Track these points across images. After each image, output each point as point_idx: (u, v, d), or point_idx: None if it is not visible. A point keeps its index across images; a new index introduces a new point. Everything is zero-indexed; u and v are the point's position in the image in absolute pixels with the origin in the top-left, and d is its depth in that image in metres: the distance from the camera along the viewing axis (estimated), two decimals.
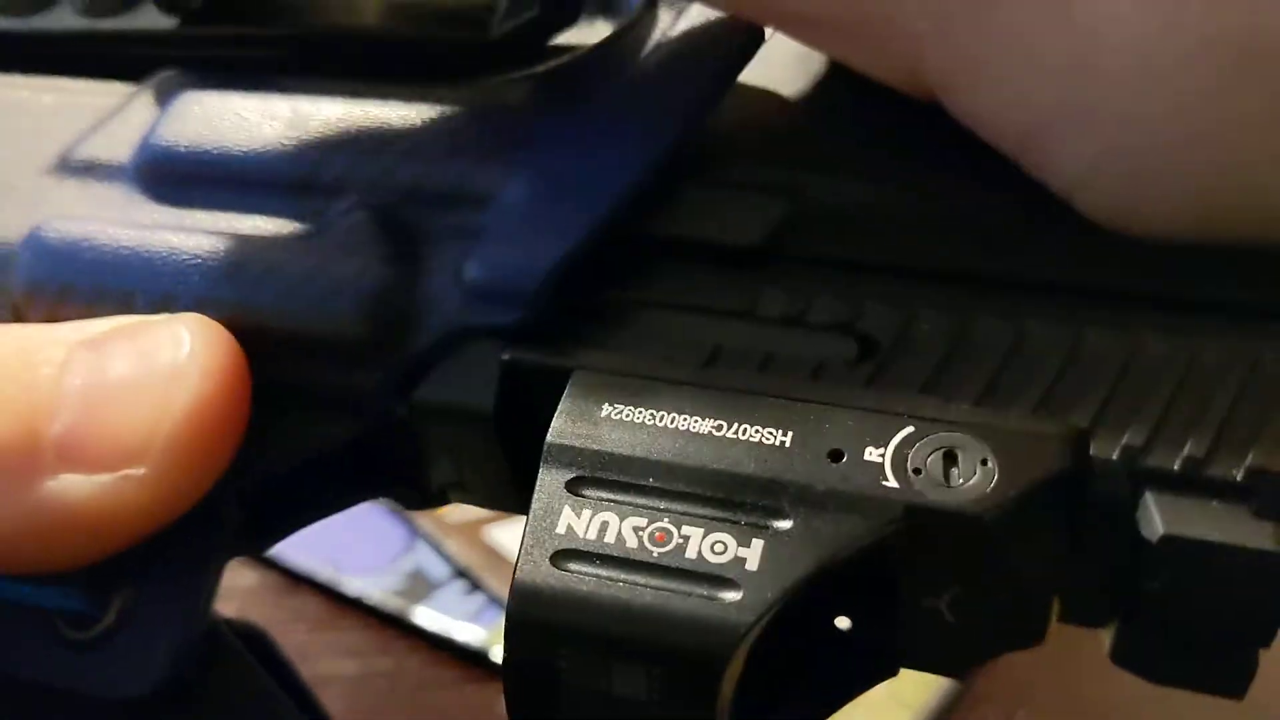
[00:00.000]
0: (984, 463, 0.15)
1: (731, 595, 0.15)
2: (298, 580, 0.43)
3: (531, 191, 0.18)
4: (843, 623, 0.17)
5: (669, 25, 0.20)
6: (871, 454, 0.15)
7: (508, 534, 0.44)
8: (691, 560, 0.15)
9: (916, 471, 0.15)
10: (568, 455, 0.16)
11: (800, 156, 0.19)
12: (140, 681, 0.17)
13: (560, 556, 0.15)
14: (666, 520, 0.15)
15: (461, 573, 0.44)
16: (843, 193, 0.19)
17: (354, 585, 0.42)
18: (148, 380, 0.17)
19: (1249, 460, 0.15)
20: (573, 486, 0.16)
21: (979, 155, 0.18)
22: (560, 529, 0.15)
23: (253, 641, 0.20)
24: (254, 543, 0.19)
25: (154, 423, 0.16)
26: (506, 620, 0.15)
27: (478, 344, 0.18)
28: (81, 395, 0.17)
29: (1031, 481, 0.15)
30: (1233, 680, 0.15)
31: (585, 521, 0.16)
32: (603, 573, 0.15)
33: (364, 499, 0.20)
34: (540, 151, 0.19)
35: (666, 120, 0.19)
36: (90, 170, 0.21)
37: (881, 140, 0.19)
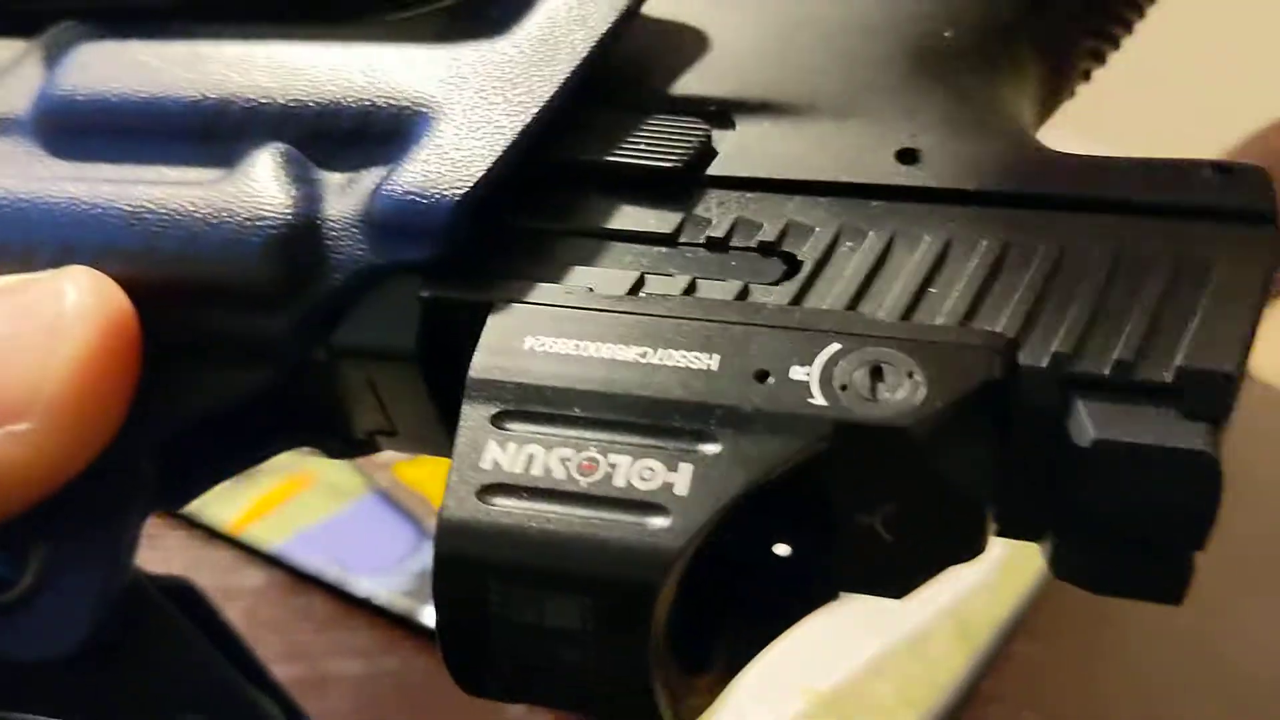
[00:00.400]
0: (910, 376, 0.15)
1: (661, 521, 0.15)
2: (305, 580, 0.43)
3: (437, 125, 0.18)
4: (781, 550, 0.17)
5: None
6: (797, 372, 0.15)
7: None
8: (620, 488, 0.15)
9: (843, 388, 0.15)
10: (490, 389, 0.16)
11: (718, 80, 0.19)
12: (63, 641, 0.17)
13: (487, 491, 0.15)
14: (593, 450, 0.15)
15: None
16: (761, 114, 0.19)
17: (362, 585, 0.42)
18: (29, 336, 0.16)
19: (1177, 360, 0.15)
20: (497, 420, 0.16)
21: (906, 75, 0.18)
22: (486, 464, 0.15)
23: (179, 595, 0.19)
24: (173, 497, 0.19)
25: (37, 379, 0.16)
26: (434, 559, 0.15)
27: (395, 281, 0.17)
28: None
29: (959, 392, 0.15)
30: (1170, 586, 0.15)
31: (511, 455, 0.15)
32: (530, 505, 0.15)
33: (284, 448, 0.20)
34: (444, 85, 0.18)
35: (573, 45, 0.19)
36: None
37: (802, 58, 0.19)
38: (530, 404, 0.16)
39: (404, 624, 0.41)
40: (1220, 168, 0.17)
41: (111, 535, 0.17)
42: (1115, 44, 0.23)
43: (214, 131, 0.19)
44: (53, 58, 0.21)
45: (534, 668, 0.15)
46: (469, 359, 0.16)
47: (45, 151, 0.20)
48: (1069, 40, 0.22)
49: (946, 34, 0.20)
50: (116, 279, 0.17)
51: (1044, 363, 0.15)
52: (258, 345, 0.18)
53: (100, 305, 0.17)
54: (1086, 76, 0.23)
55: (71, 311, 0.17)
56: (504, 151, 0.17)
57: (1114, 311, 0.15)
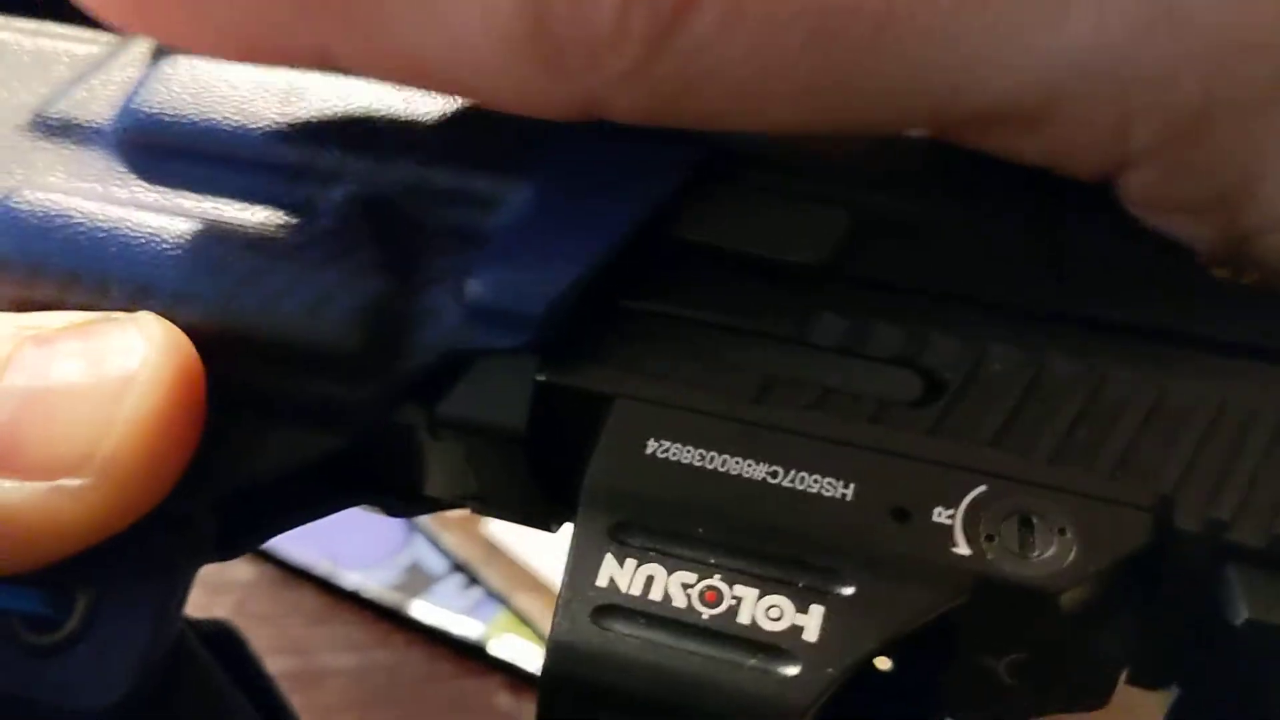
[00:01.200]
0: (1062, 532, 0.14)
1: (789, 670, 0.14)
2: (295, 574, 0.43)
3: (542, 199, 0.17)
4: (883, 663, 0.15)
5: None
6: (941, 515, 0.14)
7: (505, 527, 0.44)
8: (745, 626, 0.14)
9: (989, 538, 0.14)
10: (609, 498, 0.15)
11: (859, 168, 0.18)
12: (104, 691, 0.16)
13: (601, 613, 0.14)
14: (717, 577, 0.14)
15: (459, 566, 0.43)
16: (907, 211, 0.17)
17: (352, 579, 0.42)
18: (95, 388, 0.16)
19: None
20: (615, 533, 0.15)
21: (1058, 186, 0.16)
22: (601, 581, 0.14)
23: (220, 642, 0.19)
24: (226, 550, 0.18)
25: (97, 434, 0.16)
26: (543, 677, 0.14)
27: (508, 359, 0.16)
28: (23, 395, 0.16)
29: (1112, 557, 0.14)
30: None
31: (628, 574, 0.14)
32: (648, 634, 0.14)
33: (343, 507, 0.19)
34: (554, 151, 0.17)
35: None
36: (67, 130, 0.20)
37: (946, 157, 0.17)
38: (651, 519, 0.15)
39: (394, 617, 0.41)
40: None
41: (162, 587, 0.17)
42: None
43: (305, 172, 0.18)
44: (141, 63, 0.20)
45: None
46: (578, 444, 0.16)
47: (127, 168, 0.19)
48: None
49: None
50: (189, 328, 0.17)
51: (1200, 528, 0.14)
52: (333, 412, 0.17)
53: (171, 363, 0.16)
54: None
55: (141, 367, 0.16)
56: (611, 242, 0.16)
57: (1277, 476, 0.14)
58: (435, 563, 0.44)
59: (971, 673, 0.15)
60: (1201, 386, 0.15)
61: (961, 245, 0.17)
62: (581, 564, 0.14)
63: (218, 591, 0.43)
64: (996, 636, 0.14)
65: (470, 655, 0.40)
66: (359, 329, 0.17)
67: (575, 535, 0.15)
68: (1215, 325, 0.15)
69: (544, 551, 0.43)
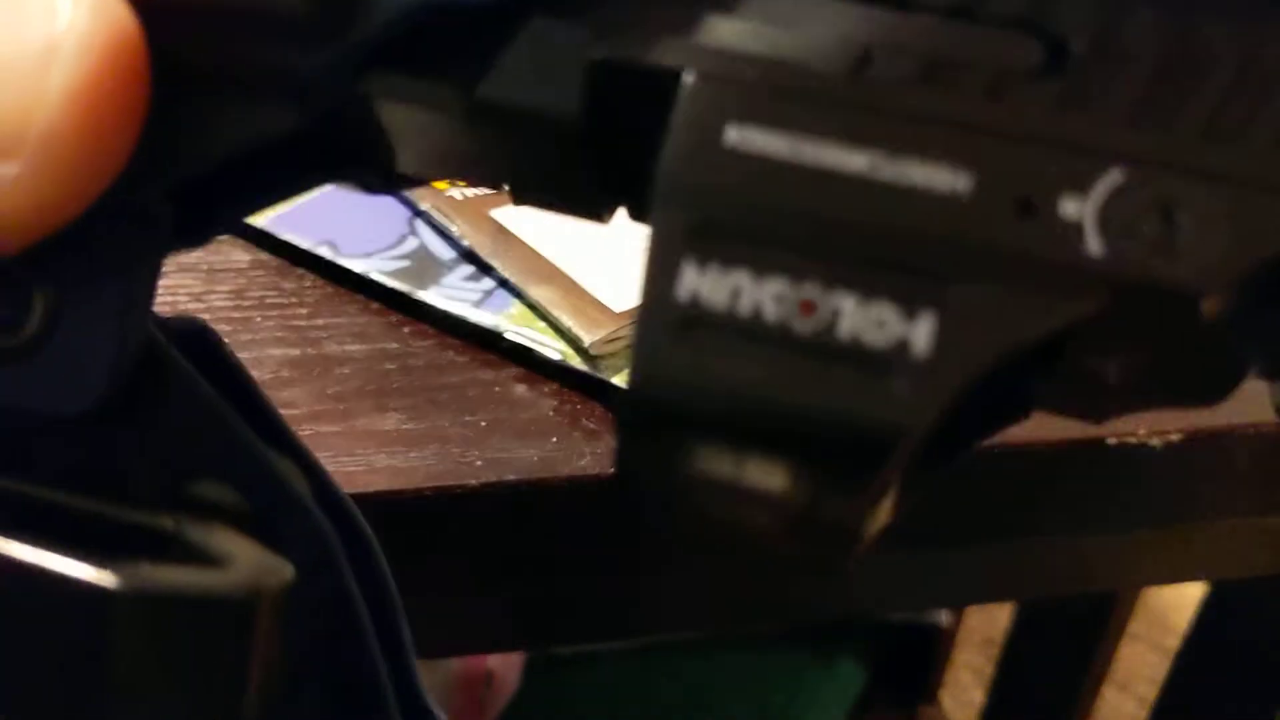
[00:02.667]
0: (1210, 221, 0.12)
1: (898, 386, 0.12)
2: (295, 260, 0.41)
3: None
4: None
5: None
6: (1069, 205, 0.12)
7: (517, 212, 0.42)
8: (846, 339, 0.13)
9: (1128, 233, 0.12)
10: (686, 194, 0.13)
11: None
12: (78, 393, 0.16)
13: (686, 327, 0.13)
14: (813, 283, 0.13)
15: (469, 255, 0.41)
16: None
17: (355, 268, 0.40)
18: (16, 57, 0.14)
19: None
20: (695, 236, 0.13)
21: None
22: (683, 293, 0.13)
23: (193, 341, 0.18)
24: (189, 238, 0.17)
25: (23, 111, 0.14)
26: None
27: (551, 32, 0.14)
28: None
29: (1268, 250, 0.12)
30: None
31: (712, 281, 0.13)
32: (738, 350, 0.13)
33: (311, 187, 0.18)
34: None
35: None
36: None
37: None
38: (736, 218, 0.13)
39: (403, 307, 0.40)
40: None
41: (125, 279, 0.16)
42: None
43: None
44: None
45: (723, 522, 0.14)
46: (645, 130, 0.14)
47: None
48: None
49: None
50: None
51: None
52: (287, 82, 0.15)
53: (102, 23, 0.14)
54: None
55: (67, 30, 0.14)
56: None
57: None
58: (442, 250, 0.42)
59: (1074, 373, 0.13)
60: None
61: None
62: (658, 273, 0.13)
63: (214, 278, 0.41)
64: (1120, 337, 0.13)
65: (484, 344, 0.38)
66: None
67: (650, 239, 0.13)
68: None
69: (561, 239, 0.41)
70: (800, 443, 0.13)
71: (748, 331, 0.13)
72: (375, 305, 0.40)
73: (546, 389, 0.38)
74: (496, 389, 0.38)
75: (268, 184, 0.17)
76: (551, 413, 0.37)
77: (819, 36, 0.14)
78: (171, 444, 0.17)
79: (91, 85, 0.14)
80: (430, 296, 0.38)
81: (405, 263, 0.40)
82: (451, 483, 0.35)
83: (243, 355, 0.19)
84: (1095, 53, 0.13)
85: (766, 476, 0.13)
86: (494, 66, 0.14)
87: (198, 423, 0.17)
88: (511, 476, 0.36)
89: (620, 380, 0.37)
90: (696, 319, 0.13)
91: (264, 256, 0.42)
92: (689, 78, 0.13)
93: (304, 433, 0.34)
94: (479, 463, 0.36)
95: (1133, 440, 0.39)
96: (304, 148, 0.16)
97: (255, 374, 0.20)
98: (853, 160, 0.13)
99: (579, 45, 0.14)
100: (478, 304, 0.38)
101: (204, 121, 0.15)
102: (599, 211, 0.16)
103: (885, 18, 0.14)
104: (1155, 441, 0.39)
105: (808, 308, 0.13)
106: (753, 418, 0.13)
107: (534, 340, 0.37)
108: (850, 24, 0.14)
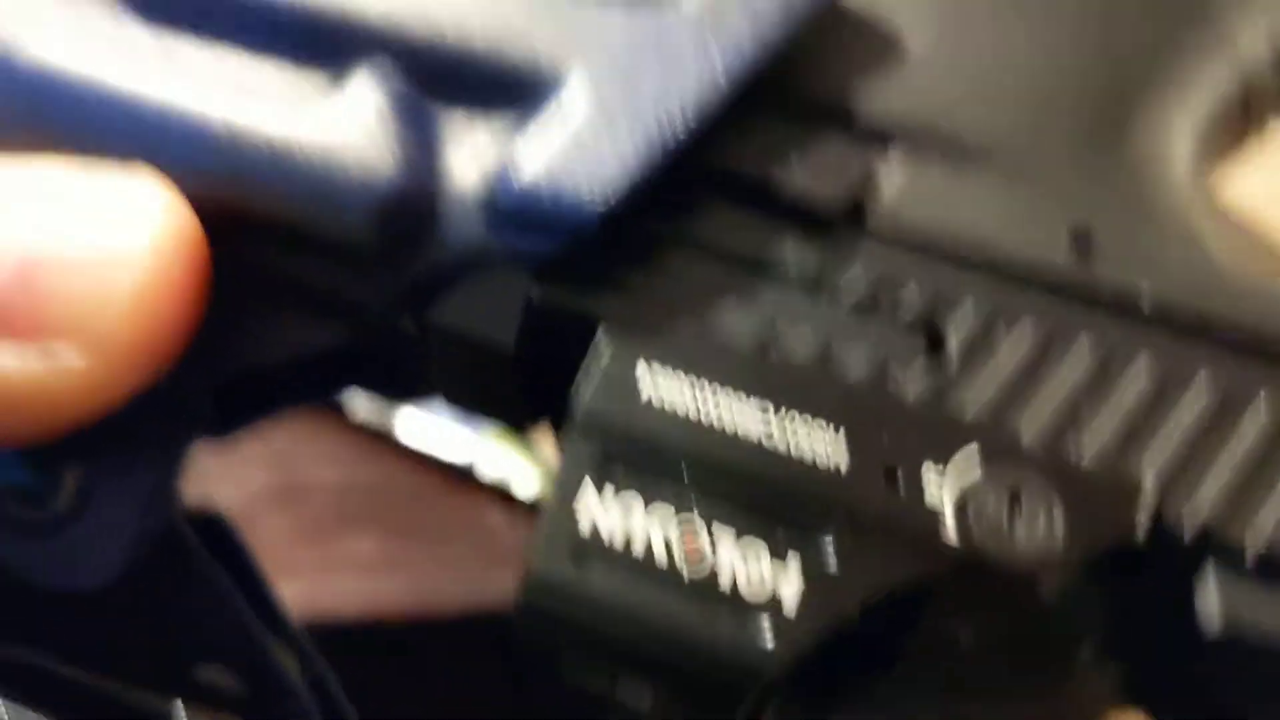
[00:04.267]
0: (1049, 514, 0.14)
1: (762, 631, 0.14)
2: None
3: (588, 99, 0.16)
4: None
5: None
6: (930, 481, 0.14)
7: None
8: (721, 581, 0.14)
9: (976, 513, 0.14)
10: (596, 427, 0.15)
11: (895, 94, 0.17)
12: (95, 573, 0.16)
13: (581, 551, 0.14)
14: (698, 524, 0.14)
15: None
16: (933, 149, 0.17)
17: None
18: (94, 254, 0.15)
19: None
20: (600, 466, 0.14)
21: (1090, 132, 0.16)
22: (583, 519, 0.14)
23: (209, 527, 0.19)
24: (221, 430, 0.18)
25: (90, 302, 0.15)
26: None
27: (502, 270, 0.16)
28: (18, 253, 0.15)
29: (1098, 545, 0.14)
30: None
31: (611, 512, 0.14)
32: (623, 577, 0.14)
33: (339, 391, 0.19)
34: (604, 48, 0.16)
35: (756, 30, 0.16)
36: None
37: (988, 88, 0.17)
38: (637, 455, 0.14)
39: (379, 435, 0.40)
40: None
41: (155, 467, 0.17)
42: None
43: (336, 37, 0.17)
44: None
45: (596, 715, 0.15)
46: (568, 363, 0.15)
47: (132, 20, 0.17)
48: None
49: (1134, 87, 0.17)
50: (195, 200, 0.16)
51: (1186, 524, 0.14)
52: (341, 304, 0.16)
53: (173, 231, 0.15)
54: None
55: (141, 237, 0.15)
56: (653, 156, 0.15)
57: (1267, 480, 0.14)
58: None
59: (932, 632, 0.15)
60: (1204, 377, 0.15)
61: (984, 199, 0.16)
62: (563, 494, 0.14)
63: None
64: (965, 606, 0.14)
65: (458, 473, 0.39)
66: (378, 222, 0.16)
67: (561, 463, 0.15)
68: (1226, 317, 0.15)
69: None
70: (668, 673, 0.14)
71: (632, 561, 0.14)
72: (352, 431, 0.40)
73: (523, 517, 0.38)
74: (472, 516, 0.38)
75: (302, 386, 0.18)
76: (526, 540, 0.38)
77: (732, 304, 0.15)
78: (183, 629, 0.17)
79: (158, 289, 0.15)
80: (406, 420, 0.39)
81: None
82: (426, 611, 0.35)
83: (220, 478, 0.20)
84: (970, 350, 0.15)
85: (636, 697, 0.14)
86: (446, 295, 0.16)
87: (210, 610, 0.18)
88: (487, 605, 0.36)
89: None
90: (589, 541, 0.14)
91: None
92: (609, 323, 0.15)
93: (279, 558, 0.34)
94: (454, 591, 0.36)
95: None
96: (341, 363, 0.17)
97: (233, 496, 0.20)
98: (747, 419, 0.14)
99: (523, 284, 0.16)
100: (456, 422, 0.39)
101: (255, 328, 0.16)
102: (522, 423, 0.18)
103: (791, 297, 0.16)
104: None
105: (690, 544, 0.14)
106: (627, 643, 0.14)
107: (508, 472, 0.38)
108: (764, 295, 0.16)
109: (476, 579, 0.36)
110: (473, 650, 0.37)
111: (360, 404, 0.40)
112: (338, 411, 0.41)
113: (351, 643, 0.35)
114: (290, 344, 0.17)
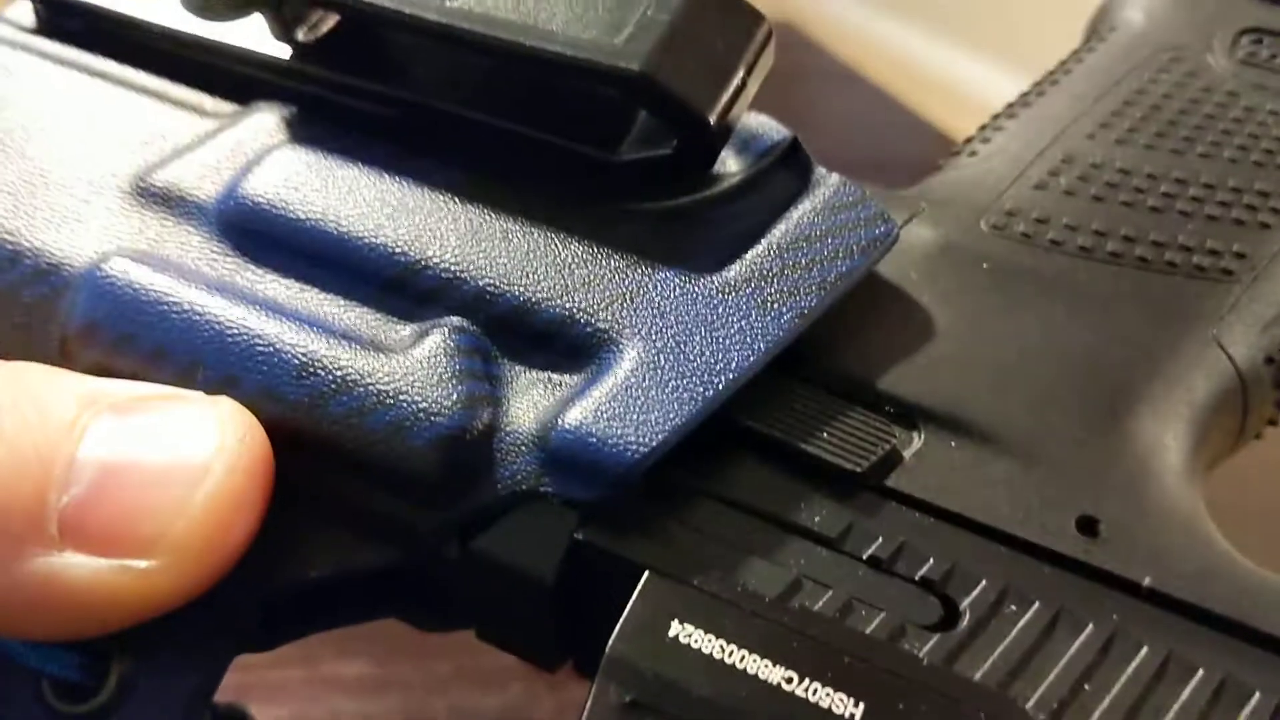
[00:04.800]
0: None
1: None
2: None
3: (637, 358, 0.17)
4: None
5: (806, 186, 0.19)
6: None
7: None
8: None
9: None
10: (628, 673, 0.16)
11: (917, 377, 0.18)
12: None
13: None
14: None
15: None
16: (951, 431, 0.18)
17: None
18: (170, 471, 0.16)
19: None
20: (627, 711, 0.15)
21: (1096, 424, 0.17)
22: None
23: None
24: (266, 641, 0.19)
25: (168, 519, 0.16)
26: None
27: (547, 508, 0.17)
28: (98, 470, 0.16)
29: None
30: None
31: None
32: None
33: (381, 616, 0.20)
34: (654, 312, 0.18)
35: (794, 304, 0.18)
36: (169, 201, 0.20)
37: (1003, 379, 0.18)
38: (665, 704, 0.15)
39: None
40: None
41: (200, 672, 0.17)
42: None
43: (403, 288, 0.18)
44: (253, 144, 0.20)
45: None
46: (602, 599, 0.16)
47: (224, 249, 0.19)
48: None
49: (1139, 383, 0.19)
50: (268, 424, 0.17)
51: None
52: (395, 530, 0.17)
53: (246, 455, 0.16)
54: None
55: (218, 456, 0.16)
56: (693, 414, 0.17)
57: None
58: None
59: None
60: (1201, 662, 0.16)
61: (998, 481, 0.17)
62: None
63: None
64: None
65: None
66: (437, 458, 0.17)
67: (591, 703, 0.16)
68: (1225, 606, 0.16)
69: None
70: None
71: None
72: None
73: None
74: (462, 635, 0.37)
75: (347, 607, 0.19)
76: (516, 660, 0.37)
77: (764, 560, 0.17)
78: None
79: (229, 503, 0.16)
80: None
81: None
82: None
83: None
84: (979, 625, 0.16)
85: None
86: (491, 525, 0.17)
87: None
88: None
89: None
90: None
91: None
92: (651, 573, 0.16)
93: (269, 680, 0.35)
94: (443, 710, 0.37)
95: None
96: (386, 585, 0.19)
97: None
98: (771, 674, 0.15)
99: (569, 523, 0.17)
100: None
101: (310, 544, 0.17)
102: (552, 662, 0.20)
103: (816, 554, 0.17)
104: None
105: None
106: None
107: None
108: (791, 554, 0.17)
109: (464, 698, 0.37)
110: None
111: None
112: None
113: None
114: (339, 562, 0.18)
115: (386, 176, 0.19)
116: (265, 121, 0.20)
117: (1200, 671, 0.15)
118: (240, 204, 0.19)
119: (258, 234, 0.19)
